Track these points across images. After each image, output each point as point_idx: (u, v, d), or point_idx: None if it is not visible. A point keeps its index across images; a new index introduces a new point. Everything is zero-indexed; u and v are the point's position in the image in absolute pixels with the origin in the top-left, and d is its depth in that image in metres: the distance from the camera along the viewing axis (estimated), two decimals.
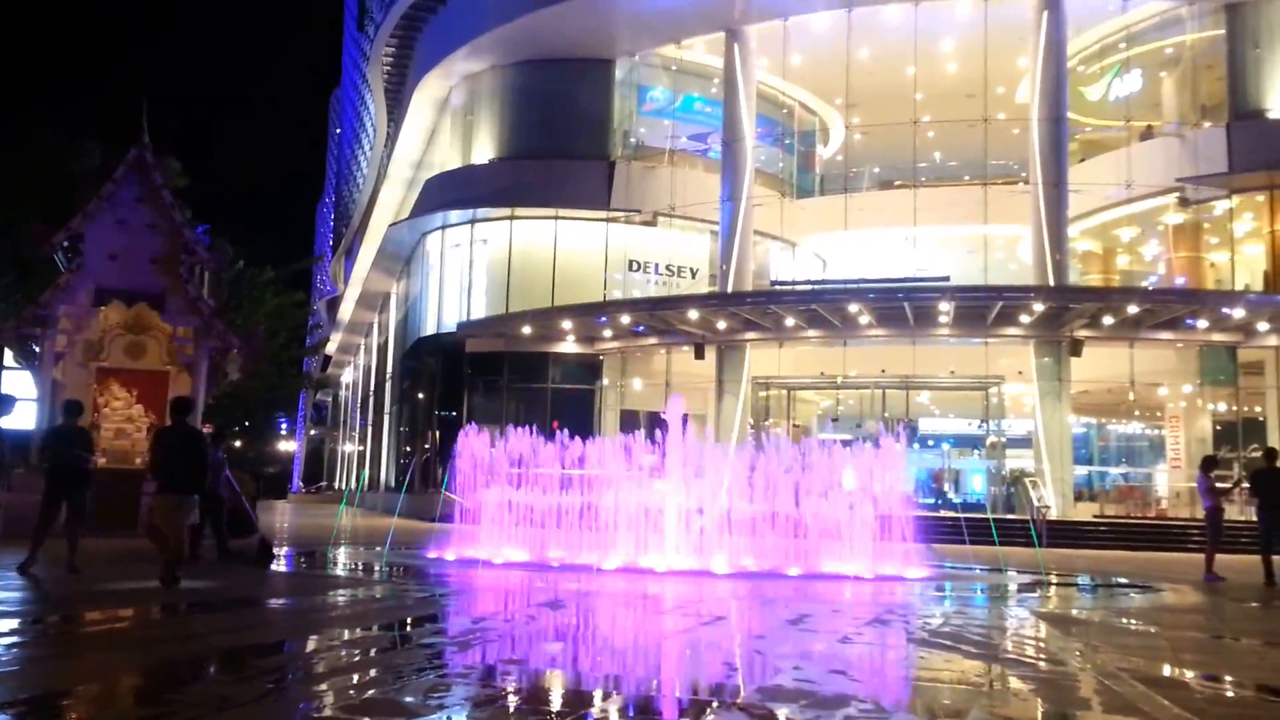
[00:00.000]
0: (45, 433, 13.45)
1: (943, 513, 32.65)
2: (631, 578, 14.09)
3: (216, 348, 23.36)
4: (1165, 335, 33.45)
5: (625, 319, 36.08)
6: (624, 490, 16.13)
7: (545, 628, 9.37)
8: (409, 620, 9.93)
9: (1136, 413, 39.54)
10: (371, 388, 67.15)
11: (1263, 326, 32.87)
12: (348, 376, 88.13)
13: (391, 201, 56.34)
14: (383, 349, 62.27)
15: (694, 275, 41.07)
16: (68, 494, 12.73)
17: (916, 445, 39.37)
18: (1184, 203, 37.01)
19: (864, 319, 33.35)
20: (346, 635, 8.71)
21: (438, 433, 41.94)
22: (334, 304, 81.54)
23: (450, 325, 41.79)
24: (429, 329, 44.93)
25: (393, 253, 50.65)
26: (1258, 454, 32.83)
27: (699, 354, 36.17)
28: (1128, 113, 38.55)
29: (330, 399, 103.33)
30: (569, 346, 38.98)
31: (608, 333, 37.74)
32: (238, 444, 66.08)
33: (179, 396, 14.01)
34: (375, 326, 66.96)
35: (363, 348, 75.64)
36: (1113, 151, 38.76)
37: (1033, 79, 36.19)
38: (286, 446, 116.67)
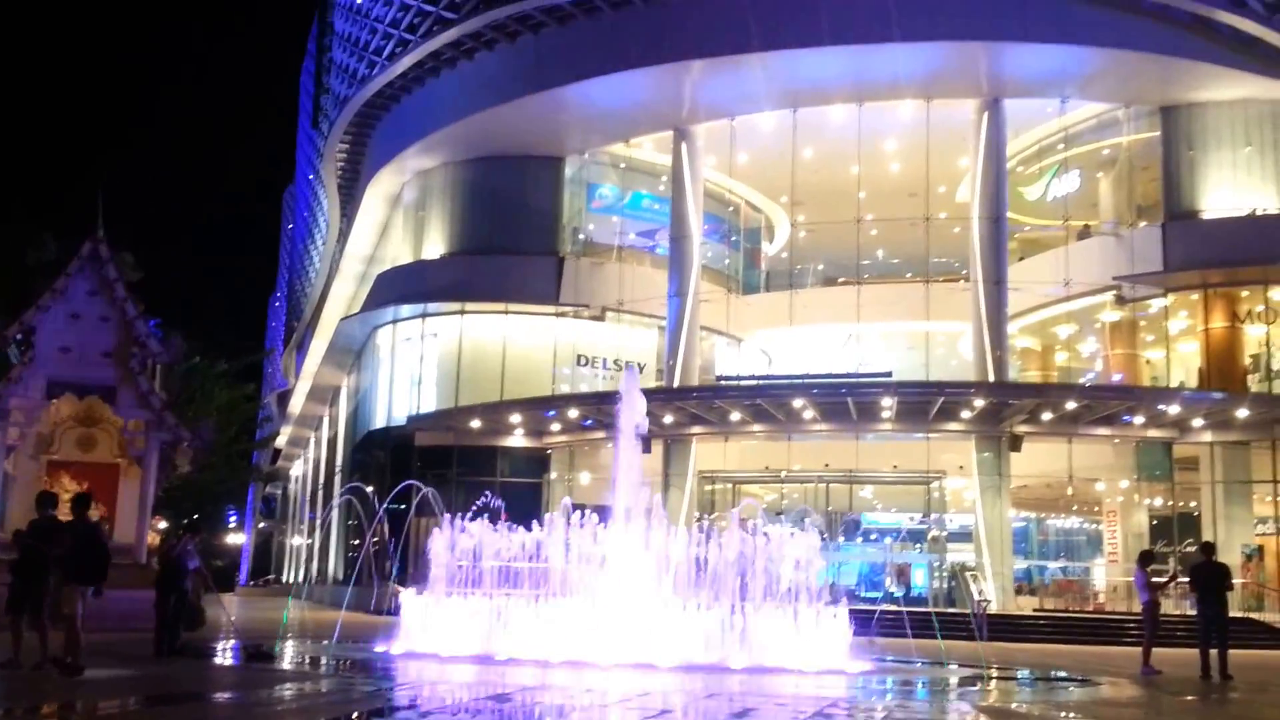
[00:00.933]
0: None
1: (885, 606, 32.67)
2: (578, 671, 14.00)
3: (167, 441, 23.32)
4: (1103, 431, 34.07)
5: (573, 413, 36.21)
6: (570, 583, 16.11)
7: None
8: (354, 715, 9.87)
9: (1075, 507, 40.14)
10: (320, 481, 66.30)
11: (1198, 423, 33.59)
12: (297, 469, 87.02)
13: (343, 296, 56.41)
14: (332, 442, 61.69)
15: (641, 370, 41.38)
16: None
17: (859, 539, 39.59)
18: (1121, 301, 38.06)
19: (808, 414, 33.68)
20: None
21: (386, 526, 41.45)
22: (284, 397, 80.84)
23: (400, 419, 41.63)
24: (379, 422, 44.71)
25: (344, 346, 50.57)
26: (1193, 549, 33.40)
27: (645, 448, 36.12)
28: (1066, 212, 39.81)
29: (279, 492, 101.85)
30: (517, 440, 38.97)
31: (556, 426, 37.81)
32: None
33: (80, 493, 14.57)
34: (325, 420, 66.41)
35: (312, 441, 74.86)
36: (1051, 250, 39.91)
37: (973, 179, 37.40)
38: (235, 539, 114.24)
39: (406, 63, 40.84)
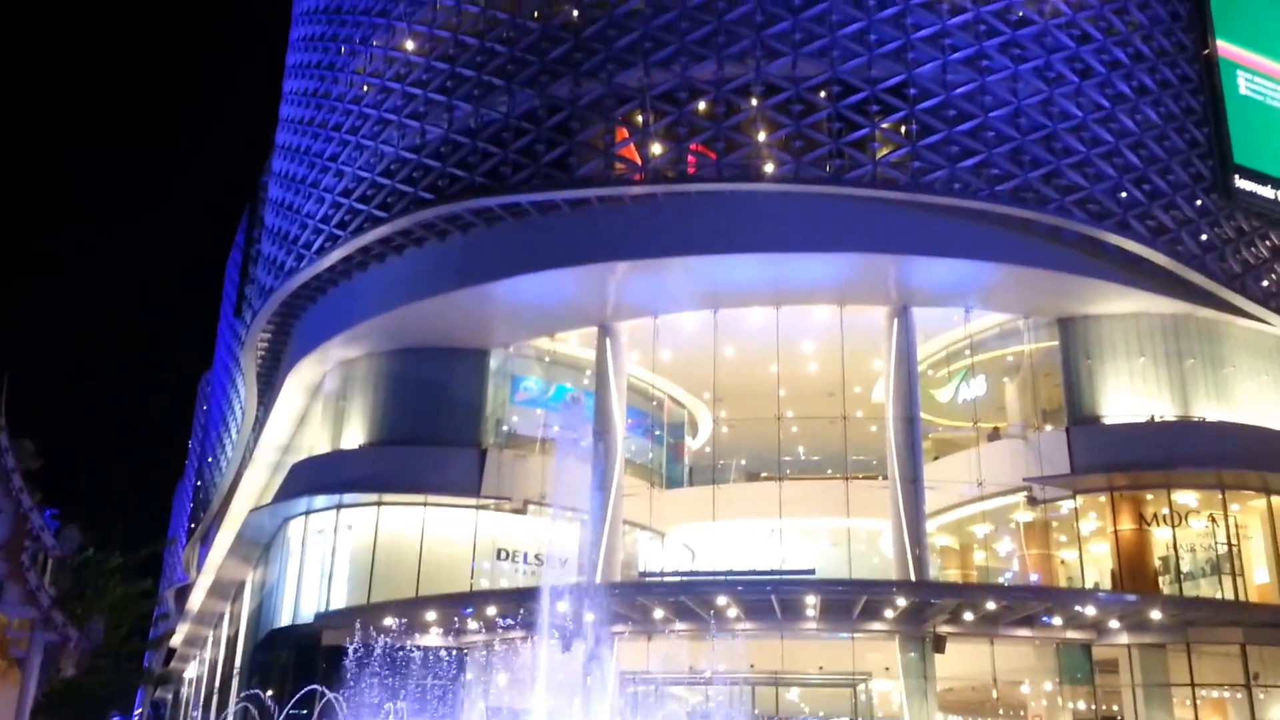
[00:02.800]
0: None
1: None
2: None
3: (53, 641, 21.95)
4: (1023, 632, 34.25)
5: (492, 610, 35.25)
6: None
7: None
8: None
9: (1001, 711, 39.64)
10: (217, 684, 62.94)
11: (1114, 624, 33.95)
12: (191, 671, 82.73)
13: (254, 486, 55.08)
14: (232, 641, 58.94)
15: (563, 565, 40.69)
16: None
17: None
18: (1032, 501, 38.97)
19: (732, 611, 33.28)
20: None
21: None
22: (184, 592, 77.60)
23: (307, 616, 40.11)
24: (284, 620, 42.94)
25: (252, 539, 49.01)
26: None
27: (566, 647, 35.24)
28: (975, 414, 41.04)
29: (170, 696, 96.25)
30: (433, 638, 37.59)
31: (474, 624, 36.67)
32: None
33: None
34: (226, 617, 63.67)
35: (210, 640, 71.54)
36: (964, 450, 40.96)
37: (887, 380, 38.60)
38: None
39: (335, 257, 41.47)
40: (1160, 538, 37.38)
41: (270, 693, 42.67)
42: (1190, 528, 37.42)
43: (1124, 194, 37.49)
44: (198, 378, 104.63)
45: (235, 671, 55.07)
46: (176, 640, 76.44)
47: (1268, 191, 40.87)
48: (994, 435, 40.73)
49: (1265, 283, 39.91)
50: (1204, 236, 38.75)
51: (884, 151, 36.54)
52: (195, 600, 67.60)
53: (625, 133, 37.45)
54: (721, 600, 32.76)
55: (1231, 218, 40.07)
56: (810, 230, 35.92)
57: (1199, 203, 39.21)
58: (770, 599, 32.75)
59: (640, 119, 37.16)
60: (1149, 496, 37.58)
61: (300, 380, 46.64)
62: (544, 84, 38.15)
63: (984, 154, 36.34)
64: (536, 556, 40.65)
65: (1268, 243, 40.80)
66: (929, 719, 33.40)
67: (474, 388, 42.04)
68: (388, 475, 40.94)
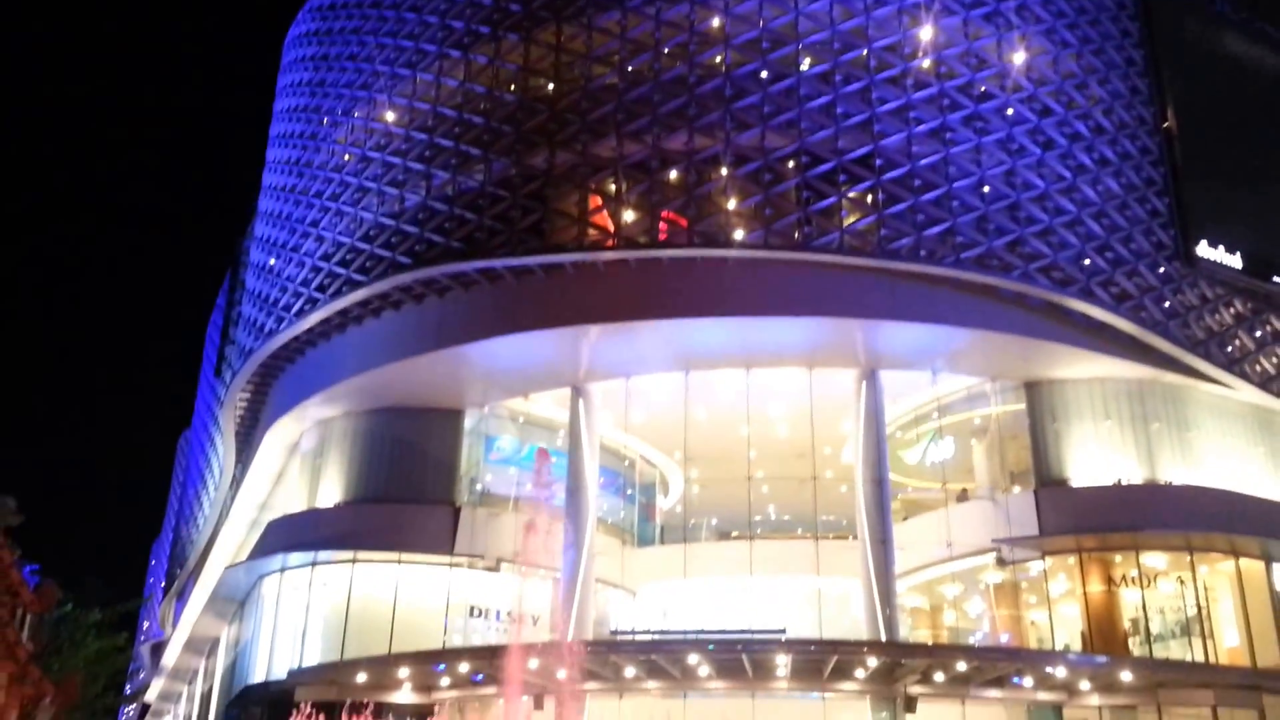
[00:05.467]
0: None
1: None
2: None
3: (30, 695, 22.14)
4: (994, 693, 34.30)
5: (464, 667, 35.29)
6: None
7: None
8: None
9: None
10: None
11: (1085, 685, 34.03)
12: None
13: (231, 543, 55.18)
14: (206, 697, 58.63)
15: (535, 623, 40.87)
16: None
17: None
18: (1001, 563, 39.31)
19: (703, 670, 33.42)
20: None
21: None
22: (159, 648, 77.06)
23: (281, 673, 40.01)
24: (258, 676, 42.88)
25: (227, 595, 49.01)
26: None
27: (538, 704, 35.36)
28: (944, 476, 41.60)
29: None
30: (405, 696, 37.62)
31: (445, 681, 36.70)
32: None
33: None
34: (201, 673, 63.34)
35: (184, 695, 71.02)
36: (933, 511, 41.49)
37: (856, 442, 39.12)
38: None
39: (314, 319, 42.07)
40: (1129, 599, 37.71)
41: None
42: (1159, 590, 37.75)
43: (1087, 261, 38.43)
44: (177, 436, 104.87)
45: None
46: (151, 695, 75.83)
47: (1230, 259, 41.91)
48: (963, 496, 41.26)
49: (1229, 348, 40.78)
50: (1167, 303, 39.66)
51: (851, 219, 37.45)
52: (170, 656, 67.24)
53: (598, 200, 38.23)
54: (692, 659, 32.89)
55: (1195, 285, 41.02)
56: (779, 295, 36.66)
57: (1162, 270, 40.23)
58: (741, 658, 32.82)
59: (613, 187, 38.02)
60: (1117, 558, 37.99)
61: (278, 439, 47.02)
62: (519, 153, 39.10)
63: (949, 222, 37.26)
64: (509, 614, 40.83)
65: (1231, 309, 41.73)
66: None
67: (449, 447, 42.47)
68: (362, 533, 41.19)
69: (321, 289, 41.78)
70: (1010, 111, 39.74)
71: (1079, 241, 38.56)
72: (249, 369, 46.79)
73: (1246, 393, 40.65)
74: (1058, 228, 38.44)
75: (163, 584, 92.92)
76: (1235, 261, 42.16)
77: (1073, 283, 37.79)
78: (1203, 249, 41.46)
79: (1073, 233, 38.63)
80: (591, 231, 37.90)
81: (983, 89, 39.73)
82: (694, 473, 45.29)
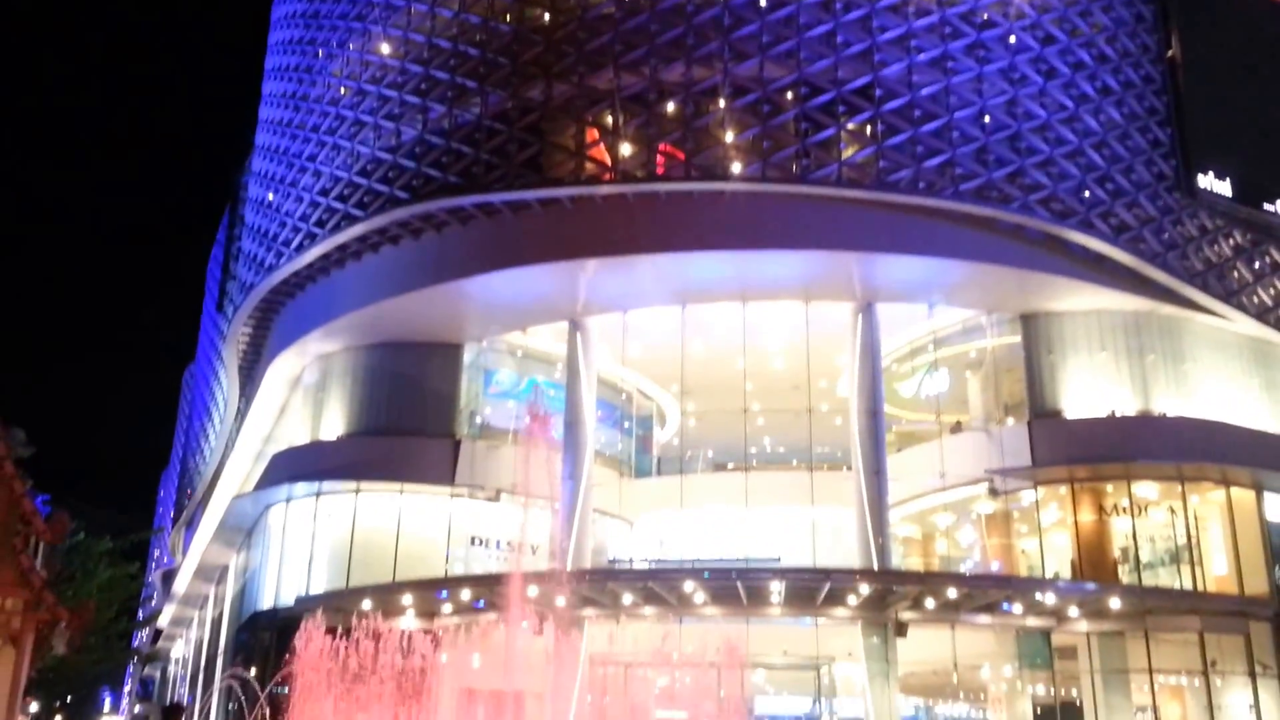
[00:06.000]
0: None
1: None
2: None
3: (45, 621, 22.71)
4: (984, 619, 34.93)
5: (466, 594, 36.07)
6: None
7: None
8: None
9: (962, 695, 40.52)
10: (202, 662, 63.91)
11: (1074, 612, 34.55)
12: (178, 650, 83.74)
13: (237, 474, 55.88)
14: (216, 623, 59.86)
15: (535, 551, 41.57)
16: None
17: None
18: (994, 493, 39.71)
19: (699, 597, 34.08)
20: None
21: (268, 710, 40.14)
22: (170, 576, 78.62)
23: (288, 600, 40.92)
24: (266, 603, 43.80)
25: (234, 525, 49.83)
26: None
27: (538, 630, 36.15)
28: (938, 408, 41.91)
29: (158, 673, 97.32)
30: (409, 621, 38.45)
31: (448, 608, 37.50)
32: None
33: None
34: (211, 599, 64.54)
35: (196, 620, 72.46)
36: (927, 443, 41.83)
37: (851, 374, 39.38)
38: None
39: (313, 254, 42.18)
40: (1120, 528, 38.19)
41: (254, 671, 43.67)
42: (1150, 519, 38.22)
43: (1087, 193, 38.28)
44: (181, 371, 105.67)
45: (220, 651, 55.97)
46: (164, 621, 77.25)
47: (1220, 186, 41.69)
48: (956, 428, 41.57)
49: (1227, 280, 40.75)
50: (1166, 235, 39.57)
51: (850, 151, 37.31)
52: (181, 583, 68.53)
53: (596, 133, 38.10)
54: (688, 587, 33.52)
55: (1194, 216, 40.86)
56: (777, 228, 36.63)
57: (1161, 201, 40.05)
58: (736, 586, 33.40)
59: (610, 120, 37.83)
60: (1109, 488, 38.40)
61: (280, 373, 47.40)
62: (516, 86, 38.86)
63: (949, 153, 37.10)
64: (509, 543, 41.51)
65: (1230, 241, 41.58)
66: (890, 701, 34.22)
67: (448, 381, 42.84)
68: (365, 464, 41.79)
69: (320, 224, 41.83)
70: (1013, 39, 39.31)
71: (1079, 172, 38.37)
72: (250, 304, 47.04)
73: (1243, 324, 40.67)
74: (1058, 158, 38.24)
75: (171, 514, 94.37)
76: (1226, 189, 41.81)
77: (1072, 214, 37.70)
78: (1202, 179, 41.20)
79: (1073, 163, 38.43)
80: (589, 165, 37.84)
81: (985, 16, 39.27)
82: (690, 405, 45.62)
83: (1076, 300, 39.38)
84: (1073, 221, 37.58)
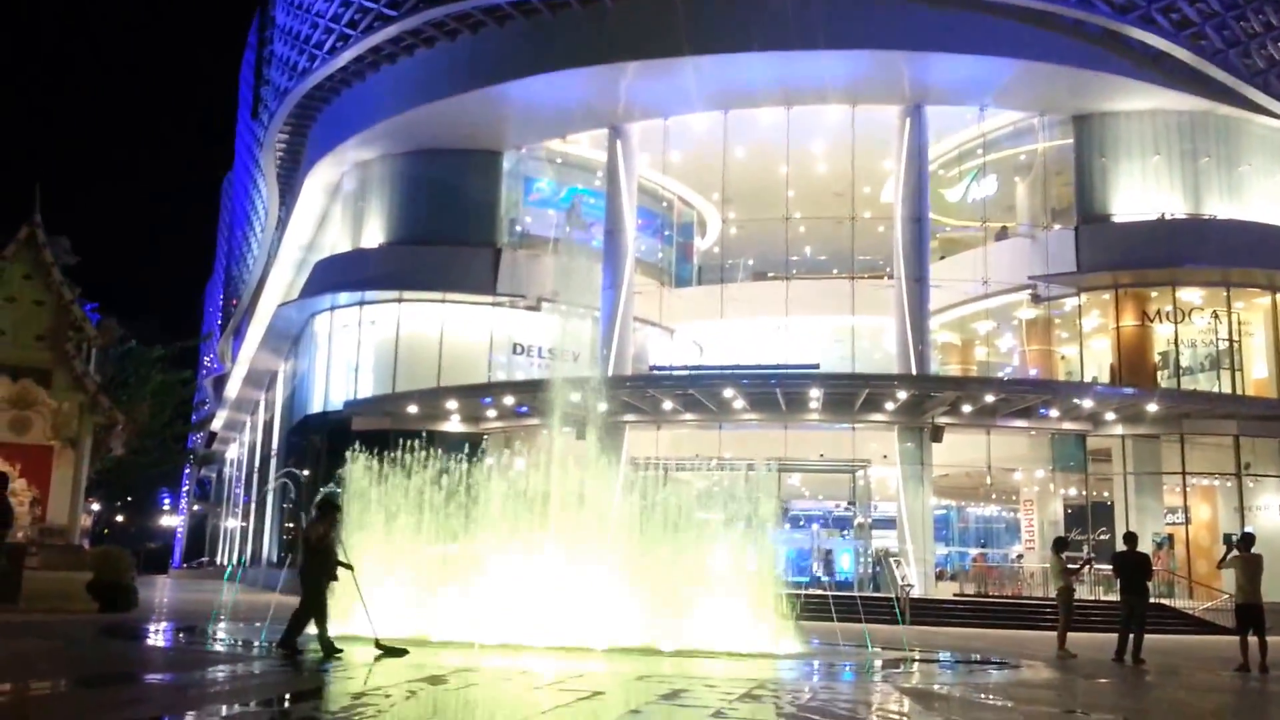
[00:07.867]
0: None
1: (812, 590, 33.71)
2: (510, 653, 14.35)
3: (101, 423, 23.38)
4: (1020, 423, 35.40)
5: (509, 400, 36.80)
6: (504, 564, 16.56)
7: (425, 703, 9.56)
8: (288, 696, 10.11)
9: (994, 496, 41.47)
10: (256, 464, 66.20)
11: (1110, 416, 34.94)
12: (232, 453, 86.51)
13: (281, 283, 56.38)
14: (268, 426, 61.68)
15: (576, 359, 42.16)
16: None
17: (787, 525, 40.60)
18: (1036, 299, 39.58)
19: (738, 404, 34.67)
20: (225, 711, 8.86)
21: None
22: (220, 382, 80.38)
23: (337, 404, 41.95)
24: (315, 407, 44.98)
25: (281, 332, 50.65)
26: (1106, 536, 34.98)
27: (580, 434, 37.04)
28: (984, 214, 41.30)
29: (214, 475, 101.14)
30: (454, 426, 39.48)
31: (492, 413, 38.39)
32: (119, 519, 63.96)
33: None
34: (261, 404, 66.27)
35: (248, 425, 74.58)
36: (971, 250, 41.34)
37: (896, 180, 38.69)
38: (168, 522, 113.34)
39: (347, 57, 41.20)
40: (1162, 334, 38.19)
41: (306, 471, 45.30)
42: (1193, 324, 38.09)
43: None
44: (219, 178, 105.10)
45: (273, 453, 57.89)
46: (217, 425, 79.57)
47: None
48: (1001, 235, 41.06)
49: None
50: (1228, 31, 37.82)
51: None
52: (232, 389, 70.16)
53: None
54: (728, 393, 34.00)
55: (1260, 11, 38.94)
56: (823, 27, 35.14)
57: None
58: (775, 392, 33.90)
59: None
60: (1153, 294, 38.17)
61: (319, 181, 47.16)
62: None
63: None
64: (550, 350, 42.07)
65: None
66: (924, 503, 35.18)
67: (488, 189, 42.52)
68: (406, 273, 42.03)
69: (352, 25, 40.67)
70: None
71: None
72: (285, 109, 46.34)
73: None
74: None
75: (219, 322, 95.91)
76: None
77: (1133, 9, 36.04)
78: None
79: None
80: None
81: None
82: (731, 213, 45.11)
83: (1132, 101, 38.10)
84: (1134, 17, 35.94)
